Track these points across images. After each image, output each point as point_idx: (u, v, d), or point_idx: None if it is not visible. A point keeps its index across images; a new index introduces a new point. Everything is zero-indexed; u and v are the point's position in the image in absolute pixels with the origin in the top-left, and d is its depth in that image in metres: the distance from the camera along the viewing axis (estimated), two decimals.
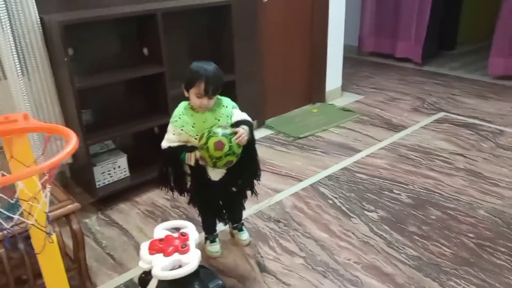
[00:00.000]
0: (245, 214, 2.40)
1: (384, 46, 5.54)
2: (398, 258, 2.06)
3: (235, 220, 2.21)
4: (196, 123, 1.83)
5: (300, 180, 2.79)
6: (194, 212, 2.46)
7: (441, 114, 3.77)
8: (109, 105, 2.68)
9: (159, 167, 1.94)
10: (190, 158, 1.83)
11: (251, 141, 1.89)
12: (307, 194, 2.63)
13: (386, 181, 2.74)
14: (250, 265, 2.05)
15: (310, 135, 3.46)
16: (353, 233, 2.26)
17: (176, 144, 1.85)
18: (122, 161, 2.59)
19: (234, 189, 2.03)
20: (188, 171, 1.96)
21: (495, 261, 2.03)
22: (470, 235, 2.21)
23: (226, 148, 1.73)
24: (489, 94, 4.21)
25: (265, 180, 2.79)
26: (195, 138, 1.82)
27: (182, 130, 1.83)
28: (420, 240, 2.18)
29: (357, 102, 4.16)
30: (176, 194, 2.01)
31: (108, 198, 2.54)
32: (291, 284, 1.93)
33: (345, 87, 4.43)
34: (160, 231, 1.70)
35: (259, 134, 3.50)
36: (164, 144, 1.88)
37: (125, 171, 2.62)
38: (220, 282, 1.74)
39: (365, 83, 4.73)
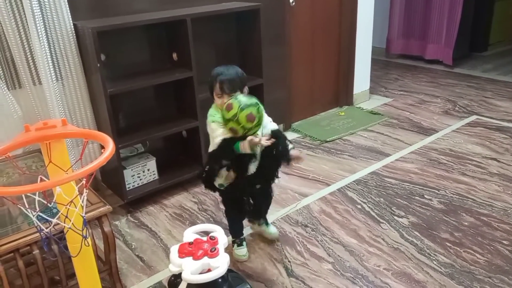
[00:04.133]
0: (272, 218, 2.41)
1: (413, 48, 5.44)
2: (429, 265, 2.01)
3: (262, 214, 2.21)
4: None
5: (328, 185, 2.77)
6: (221, 215, 2.48)
7: (473, 117, 3.66)
8: (139, 109, 2.73)
9: (208, 163, 1.97)
10: (244, 146, 1.82)
11: (285, 149, 1.96)
12: (335, 199, 2.60)
13: (417, 186, 2.68)
14: (277, 270, 2.05)
15: (338, 139, 3.43)
16: (383, 239, 2.22)
17: (228, 135, 1.87)
18: (151, 164, 2.64)
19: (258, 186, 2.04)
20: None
21: None
22: (505, 242, 2.14)
23: (257, 119, 1.79)
24: None
25: (292, 184, 2.78)
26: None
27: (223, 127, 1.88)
28: (453, 247, 2.12)
29: (385, 105, 4.10)
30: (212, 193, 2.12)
31: (137, 201, 2.58)
32: None
33: (373, 90, 4.37)
34: (190, 234, 1.71)
35: None
36: (218, 140, 1.87)
37: (154, 174, 2.66)
38: (249, 286, 1.74)
39: (393, 85, 4.65)
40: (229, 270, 1.73)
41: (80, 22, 2.35)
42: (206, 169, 1.96)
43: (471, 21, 5.25)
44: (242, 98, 1.81)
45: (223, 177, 1.93)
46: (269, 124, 1.99)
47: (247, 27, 2.94)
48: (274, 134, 1.93)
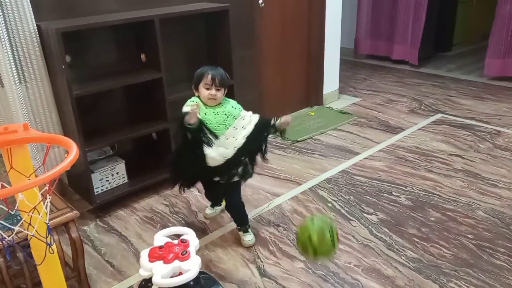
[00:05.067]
0: None
1: (381, 49, 5.57)
2: (398, 260, 2.06)
3: (241, 223, 2.24)
4: (208, 113, 1.99)
5: (299, 184, 2.79)
6: (193, 217, 2.47)
7: (438, 116, 3.78)
8: (108, 112, 2.68)
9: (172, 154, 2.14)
10: (191, 116, 1.88)
11: (265, 138, 2.16)
12: (306, 198, 2.63)
13: (385, 184, 2.74)
14: (250, 270, 2.05)
15: (308, 138, 3.47)
16: (353, 236, 2.26)
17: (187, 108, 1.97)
18: (120, 168, 2.59)
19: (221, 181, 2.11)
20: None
21: (495, 261, 2.03)
22: (470, 236, 2.22)
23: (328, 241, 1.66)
24: (486, 95, 4.23)
25: (264, 185, 2.79)
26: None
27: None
28: (420, 242, 2.18)
29: (354, 105, 4.17)
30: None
31: (106, 205, 2.53)
32: None
33: (342, 90, 4.44)
34: (160, 238, 1.70)
35: None
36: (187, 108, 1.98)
37: (123, 178, 2.61)
38: (221, 287, 1.74)
39: (362, 85, 4.74)
40: (201, 272, 1.73)
41: (44, 22, 2.28)
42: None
43: (435, 22, 5.43)
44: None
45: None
46: (252, 117, 2.11)
47: (216, 28, 2.93)
48: (258, 126, 2.09)
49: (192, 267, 1.54)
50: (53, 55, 2.25)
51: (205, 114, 1.99)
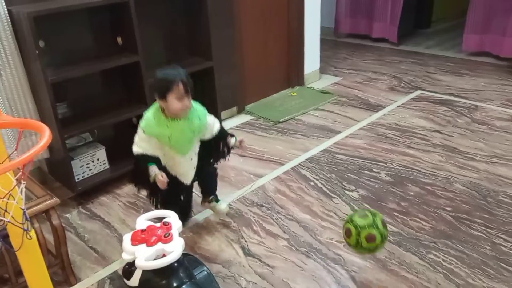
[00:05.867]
0: (228, 199, 2.43)
1: (360, 27, 5.56)
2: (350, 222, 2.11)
3: (211, 191, 2.23)
4: (173, 134, 1.86)
5: (282, 164, 2.81)
6: None
7: (417, 92, 3.82)
8: (85, 97, 2.63)
9: (133, 167, 2.02)
10: (157, 179, 1.83)
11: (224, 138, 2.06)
12: (289, 177, 2.65)
13: (366, 161, 2.78)
14: (234, 250, 2.07)
15: (290, 119, 3.48)
16: (335, 213, 2.29)
17: (150, 153, 1.88)
18: (100, 154, 2.56)
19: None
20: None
21: (472, 232, 2.09)
22: (448, 208, 2.27)
23: (378, 238, 1.67)
24: (464, 71, 4.29)
25: (247, 166, 2.81)
26: (170, 148, 1.89)
27: (157, 139, 1.87)
28: (400, 216, 2.23)
29: (335, 84, 4.19)
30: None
31: (88, 192, 2.51)
32: (275, 266, 1.96)
33: (323, 70, 4.44)
34: (142, 221, 1.70)
35: (239, 120, 3.51)
36: (136, 149, 1.90)
37: (104, 164, 2.59)
38: (205, 268, 1.75)
39: (342, 64, 4.75)
40: (185, 254, 1.74)
41: (15, 7, 2.21)
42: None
43: None
44: (357, 219, 1.70)
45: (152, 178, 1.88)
46: (214, 127, 2.03)
47: (194, 9, 2.89)
48: (218, 137, 2.03)
49: (175, 248, 1.55)
50: (26, 41, 2.19)
51: (168, 138, 1.85)
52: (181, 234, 1.64)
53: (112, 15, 2.58)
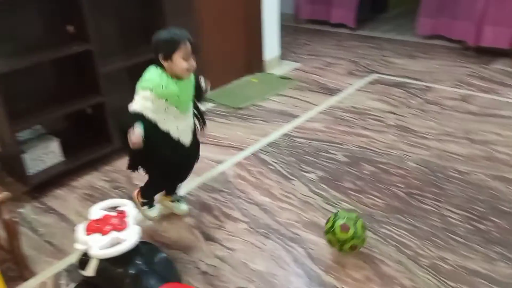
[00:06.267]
0: (189, 187, 2.43)
1: (320, 13, 5.60)
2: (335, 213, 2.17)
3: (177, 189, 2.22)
4: (181, 93, 1.80)
5: (242, 150, 2.83)
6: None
7: (374, 76, 3.92)
8: (36, 88, 2.55)
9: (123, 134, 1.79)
10: (134, 132, 1.71)
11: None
12: (249, 162, 2.68)
13: (324, 143, 2.84)
14: (194, 236, 2.08)
15: (251, 105, 3.49)
16: (293, 195, 2.34)
17: (148, 116, 1.77)
18: (54, 146, 2.50)
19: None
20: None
21: (423, 206, 2.19)
22: (400, 185, 2.36)
23: (351, 231, 1.78)
24: (418, 54, 4.42)
25: (207, 153, 2.80)
26: (176, 107, 1.81)
27: (166, 100, 1.77)
28: (355, 194, 2.31)
29: (295, 70, 4.22)
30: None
31: (43, 185, 2.45)
32: (235, 249, 1.98)
33: (283, 56, 4.47)
34: (97, 211, 1.68)
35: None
36: (136, 107, 1.76)
37: (58, 156, 2.53)
38: (164, 255, 1.76)
39: (302, 50, 4.79)
40: (143, 242, 1.74)
41: None
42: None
43: None
44: (342, 212, 1.89)
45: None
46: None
47: None
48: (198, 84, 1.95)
49: (130, 236, 1.55)
50: None
51: (178, 96, 1.78)
52: (140, 223, 1.64)
53: (62, 3, 2.50)
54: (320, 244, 1.98)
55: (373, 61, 4.28)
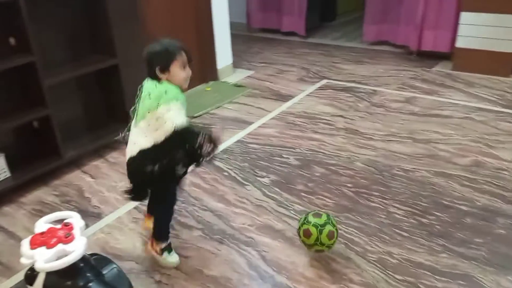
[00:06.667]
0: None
1: (271, 22, 5.73)
2: (287, 215, 2.23)
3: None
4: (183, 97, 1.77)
5: None
6: (86, 204, 2.41)
7: (324, 82, 4.04)
8: None
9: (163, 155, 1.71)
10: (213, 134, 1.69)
11: None
12: (203, 170, 2.68)
13: (276, 148, 2.90)
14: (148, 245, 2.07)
15: (205, 113, 3.51)
16: (247, 199, 2.37)
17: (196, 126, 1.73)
18: None
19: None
20: None
21: (370, 204, 2.29)
22: (349, 185, 2.46)
23: (313, 237, 1.81)
24: (365, 59, 4.61)
25: None
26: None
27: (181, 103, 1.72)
28: (307, 196, 2.37)
29: (248, 77, 4.29)
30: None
31: None
32: (189, 256, 1.99)
33: (236, 64, 4.53)
34: (42, 225, 1.63)
35: None
36: (182, 119, 1.66)
37: (4, 172, 2.44)
38: (115, 266, 1.73)
39: (255, 58, 4.87)
40: (93, 254, 1.71)
41: None
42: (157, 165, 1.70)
43: None
44: (313, 219, 1.83)
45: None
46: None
47: (93, 6, 2.80)
48: None
49: (76, 248, 1.52)
50: None
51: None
52: (90, 236, 1.61)
53: (2, 15, 2.42)
54: (273, 246, 2.02)
55: (323, 68, 4.43)
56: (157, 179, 1.75)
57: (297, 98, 3.70)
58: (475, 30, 3.89)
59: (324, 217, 1.85)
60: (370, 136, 2.98)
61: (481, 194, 2.32)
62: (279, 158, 2.77)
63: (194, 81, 4.07)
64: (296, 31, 5.51)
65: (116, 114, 3.06)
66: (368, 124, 3.15)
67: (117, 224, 2.23)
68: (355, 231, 2.10)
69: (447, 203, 2.27)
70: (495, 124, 3.07)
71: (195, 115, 3.48)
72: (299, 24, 5.43)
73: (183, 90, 1.79)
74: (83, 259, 1.54)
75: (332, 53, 4.90)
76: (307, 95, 3.76)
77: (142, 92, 1.79)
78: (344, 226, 2.13)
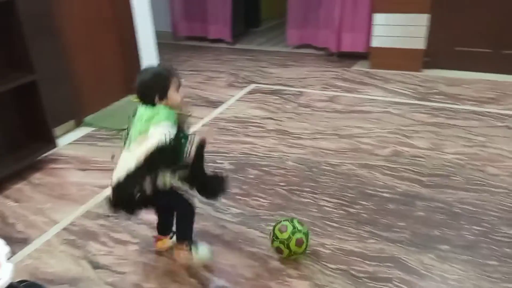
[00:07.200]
0: (70, 218, 2.32)
1: (197, 30, 5.75)
2: (224, 219, 2.26)
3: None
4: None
5: None
6: (11, 230, 2.27)
7: (252, 86, 4.14)
8: None
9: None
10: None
11: None
12: None
13: (210, 154, 2.90)
14: (81, 267, 1.99)
15: None
16: None
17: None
18: None
19: None
20: None
21: (302, 200, 2.38)
22: (282, 184, 2.54)
23: (304, 246, 1.92)
24: (290, 62, 4.78)
25: (90, 179, 2.71)
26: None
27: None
28: (242, 198, 2.42)
29: None
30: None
31: None
32: (126, 272, 1.95)
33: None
34: None
35: (78, 133, 3.34)
36: (168, 131, 1.64)
37: None
38: None
39: (183, 66, 4.86)
40: (22, 281, 1.63)
41: None
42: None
43: (243, 1, 5.82)
44: (280, 235, 1.90)
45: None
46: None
47: (4, 20, 2.65)
48: None
49: (2, 275, 1.43)
50: None
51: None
52: (19, 262, 1.52)
53: None
54: (213, 251, 2.03)
55: (251, 72, 4.52)
56: (148, 200, 1.76)
57: (228, 104, 3.75)
58: (387, 30, 4.20)
59: (289, 229, 1.91)
60: (299, 136, 3.10)
61: (401, 181, 2.51)
62: (213, 164, 2.79)
63: (120, 93, 4.00)
64: (223, 38, 5.58)
65: (38, 133, 2.91)
66: (297, 124, 3.28)
67: (47, 247, 2.12)
68: None
69: (371, 192, 2.43)
70: (410, 115, 3.33)
71: (124, 127, 3.39)
72: (225, 31, 5.50)
73: (182, 113, 1.79)
74: (11, 287, 1.46)
75: (259, 58, 5.02)
76: (237, 100, 3.82)
77: (135, 117, 1.78)
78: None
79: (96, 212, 2.38)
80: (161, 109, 1.71)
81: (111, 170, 2.78)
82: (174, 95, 1.73)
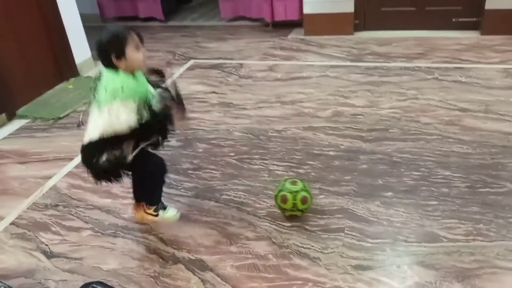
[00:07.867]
0: (17, 212, 2.23)
1: (126, 10, 5.52)
2: (178, 194, 2.27)
3: None
4: (140, 87, 1.69)
5: (71, 159, 2.68)
6: None
7: (191, 62, 4.09)
8: None
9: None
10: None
11: None
12: (82, 170, 2.54)
13: None
14: (35, 258, 1.93)
15: (71, 112, 3.31)
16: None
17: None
18: None
19: None
20: None
21: (253, 167, 2.44)
22: (232, 154, 2.58)
23: (290, 203, 1.95)
24: (227, 36, 4.76)
25: (31, 171, 2.60)
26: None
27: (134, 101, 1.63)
28: (194, 172, 2.44)
29: None
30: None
31: None
32: (83, 257, 1.92)
33: (97, 57, 4.29)
34: None
35: (12, 127, 3.16)
36: (133, 120, 1.63)
37: None
38: (2, 284, 1.61)
39: None
40: None
41: None
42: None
43: None
44: (289, 186, 1.97)
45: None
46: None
47: None
48: None
49: None
50: None
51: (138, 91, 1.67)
52: None
53: None
54: (169, 226, 2.05)
55: (188, 49, 4.46)
56: (113, 167, 1.75)
57: (169, 81, 3.68)
58: None
59: (299, 185, 1.99)
60: (243, 106, 3.14)
61: (343, 138, 2.64)
62: None
63: (52, 80, 3.80)
64: (155, 16, 5.41)
65: None
66: (240, 96, 3.31)
67: None
68: (244, 193, 2.23)
69: (317, 152, 2.53)
70: (347, 77, 3.47)
71: (61, 115, 3.25)
72: (156, 8, 5.33)
73: (144, 72, 1.79)
74: None
75: (194, 33, 4.95)
76: (178, 77, 3.77)
77: (100, 80, 1.71)
78: (233, 192, 2.25)
79: (43, 203, 2.30)
80: (125, 83, 1.64)
81: (53, 159, 2.70)
82: (132, 54, 1.65)
